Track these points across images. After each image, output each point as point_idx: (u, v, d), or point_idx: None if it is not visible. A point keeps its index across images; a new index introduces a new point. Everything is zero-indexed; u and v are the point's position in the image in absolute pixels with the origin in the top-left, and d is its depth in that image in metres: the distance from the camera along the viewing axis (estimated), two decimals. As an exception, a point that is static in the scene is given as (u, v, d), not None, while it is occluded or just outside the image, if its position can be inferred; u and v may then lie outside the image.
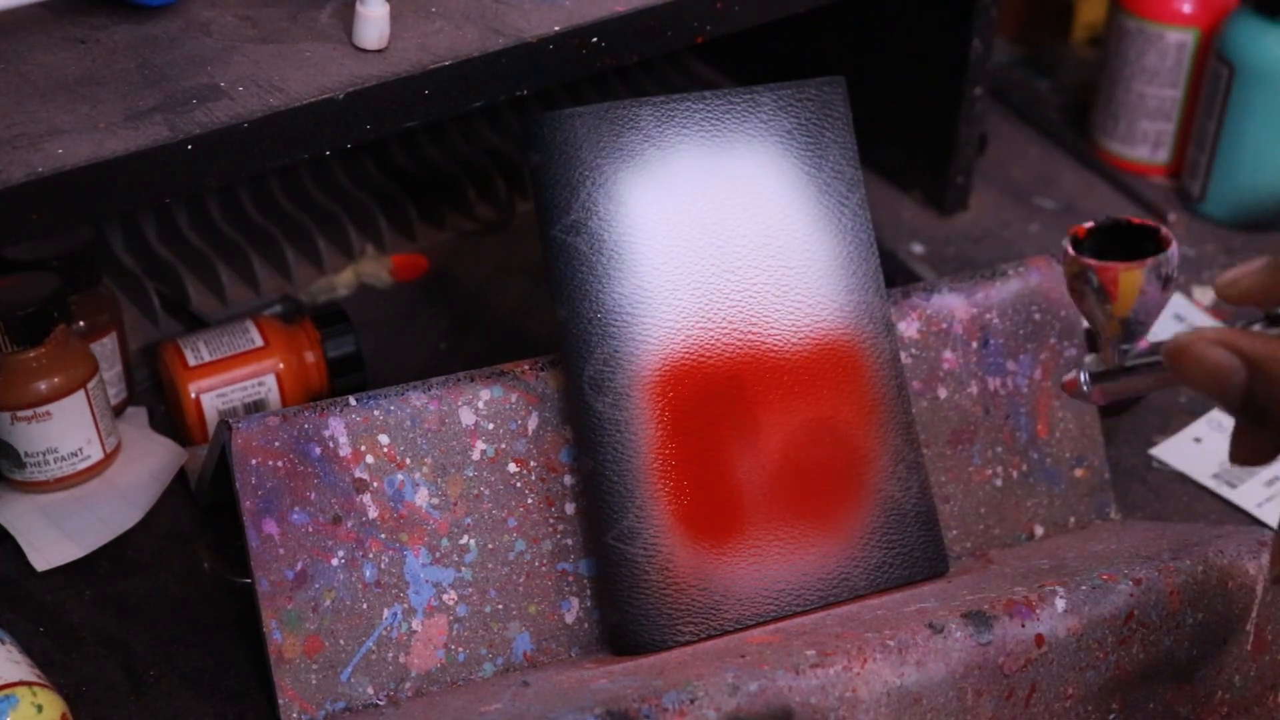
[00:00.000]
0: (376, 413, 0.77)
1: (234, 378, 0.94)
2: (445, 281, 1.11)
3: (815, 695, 0.69)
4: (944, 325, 0.87)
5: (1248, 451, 0.61)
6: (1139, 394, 0.65)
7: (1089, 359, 0.67)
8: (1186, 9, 1.18)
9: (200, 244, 1.08)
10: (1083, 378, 0.66)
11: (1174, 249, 0.62)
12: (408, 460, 0.78)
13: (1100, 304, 0.63)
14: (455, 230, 1.15)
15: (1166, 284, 0.62)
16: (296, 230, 1.10)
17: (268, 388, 0.95)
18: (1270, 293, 0.59)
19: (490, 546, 0.79)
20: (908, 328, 0.86)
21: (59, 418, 0.88)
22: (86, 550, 0.87)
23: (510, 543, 0.79)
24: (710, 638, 0.78)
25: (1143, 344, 0.64)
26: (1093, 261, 0.62)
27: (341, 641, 0.76)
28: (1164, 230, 0.63)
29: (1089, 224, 0.64)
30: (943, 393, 0.87)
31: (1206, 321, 1.08)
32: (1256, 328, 0.59)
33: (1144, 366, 0.64)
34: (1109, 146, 1.26)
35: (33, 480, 0.90)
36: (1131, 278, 0.62)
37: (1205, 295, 1.11)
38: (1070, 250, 0.64)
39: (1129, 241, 0.63)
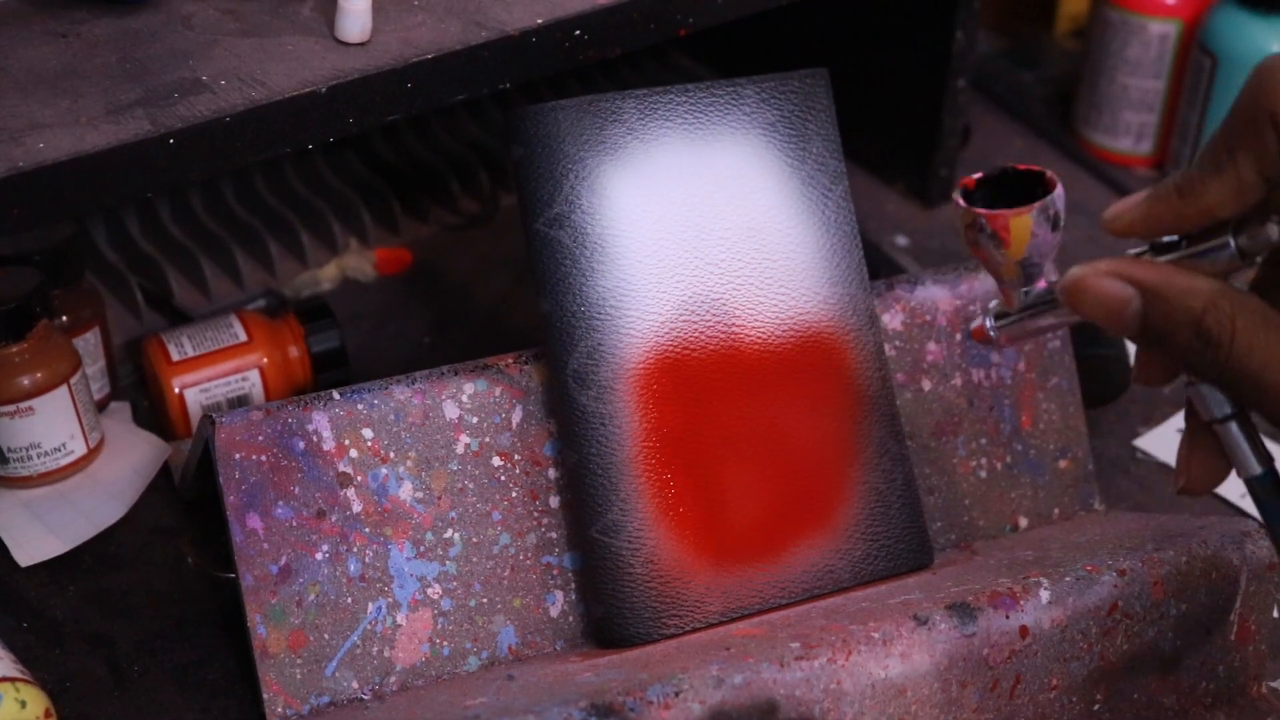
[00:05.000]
0: (360, 407, 0.77)
1: (217, 372, 0.94)
2: (429, 275, 1.11)
3: (800, 688, 0.69)
4: (928, 317, 0.87)
5: (1149, 373, 0.64)
6: (1042, 333, 0.69)
7: (992, 304, 0.69)
8: (1169, 0, 1.18)
9: (183, 238, 1.08)
10: (988, 323, 0.68)
11: (1059, 191, 0.64)
12: (391, 454, 0.78)
13: (995, 250, 0.65)
14: (439, 224, 1.15)
15: (1055, 225, 0.64)
16: (280, 224, 1.09)
17: (251, 382, 0.94)
18: (1152, 223, 0.60)
19: (475, 540, 0.79)
20: (892, 320, 0.86)
21: (42, 413, 0.88)
22: (70, 545, 0.87)
23: (495, 536, 0.79)
24: (695, 631, 0.78)
25: (1040, 284, 0.66)
26: (983, 210, 0.64)
27: (326, 636, 0.76)
28: (1049, 174, 0.65)
29: (978, 175, 0.66)
30: (927, 385, 0.87)
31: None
32: (1145, 257, 0.61)
33: (1043, 306, 0.66)
34: (1092, 138, 1.26)
35: (15, 476, 0.89)
36: (1021, 222, 0.64)
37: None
38: (961, 201, 0.65)
39: (1018, 188, 0.65)
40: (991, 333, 0.68)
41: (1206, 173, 0.58)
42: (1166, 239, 0.61)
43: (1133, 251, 0.62)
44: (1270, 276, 0.62)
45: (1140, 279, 0.58)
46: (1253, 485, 0.63)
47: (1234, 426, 0.62)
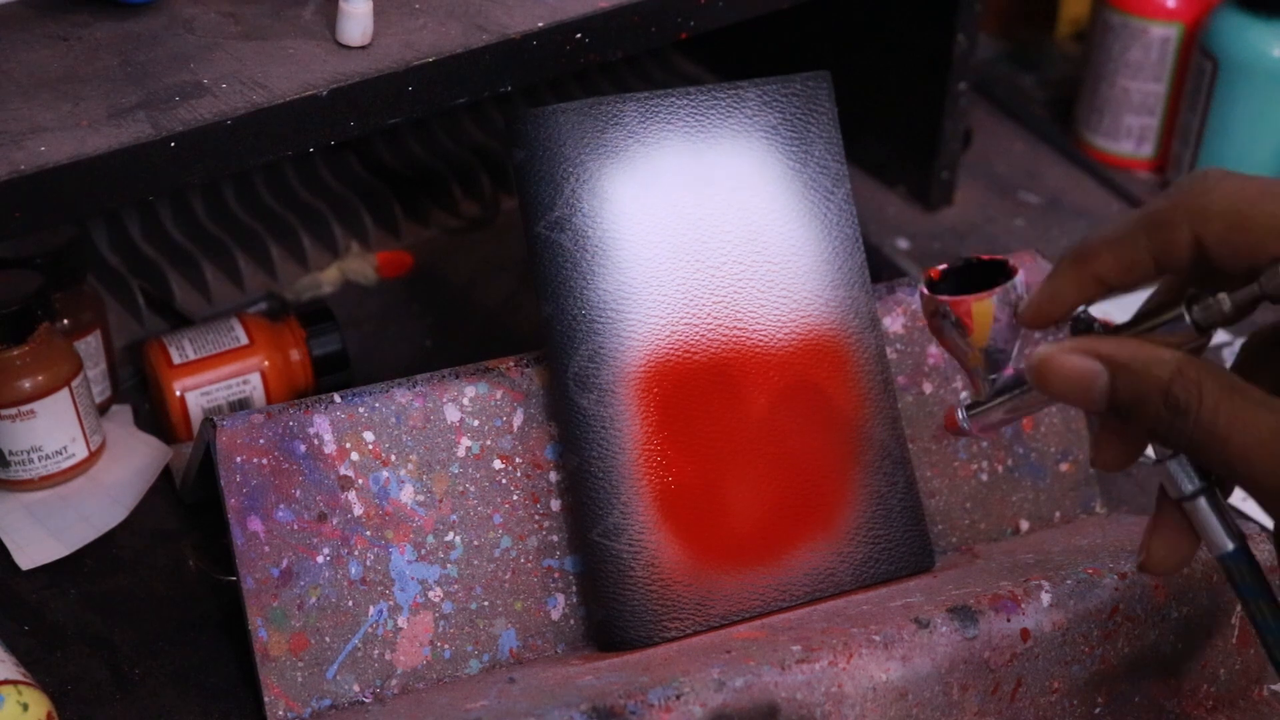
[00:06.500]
0: (361, 410, 0.77)
1: (219, 376, 0.94)
2: (430, 278, 1.11)
3: (801, 691, 0.69)
4: (929, 320, 0.87)
5: (1109, 456, 0.64)
6: (1014, 419, 0.69)
7: (964, 395, 0.69)
8: (1170, 3, 1.18)
9: (185, 241, 1.08)
10: (960, 415, 0.68)
11: (1020, 276, 0.65)
12: (393, 457, 0.78)
13: (960, 337, 0.65)
14: (440, 227, 1.15)
15: (1017, 310, 0.65)
16: (281, 227, 1.09)
17: (253, 386, 0.94)
18: (1056, 297, 0.62)
19: (476, 543, 0.79)
20: (893, 323, 0.86)
21: (43, 416, 0.88)
22: (71, 549, 0.87)
23: (496, 539, 0.79)
24: (696, 634, 0.78)
25: (1008, 371, 0.66)
26: (945, 297, 0.65)
27: (327, 639, 0.76)
28: (1011, 262, 0.65)
29: (943, 266, 0.67)
30: (928, 388, 0.87)
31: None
32: (1061, 337, 0.63)
33: (1013, 392, 0.66)
34: (1093, 141, 1.26)
35: (17, 479, 0.89)
36: (983, 307, 0.64)
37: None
38: (925, 290, 0.66)
39: (983, 277, 0.66)
40: (964, 424, 0.68)
41: (1103, 244, 0.60)
42: (1080, 314, 0.62)
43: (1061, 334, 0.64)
44: (1247, 362, 0.63)
45: (1106, 353, 0.58)
46: (1225, 563, 0.63)
47: (1203, 502, 0.62)
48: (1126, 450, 0.63)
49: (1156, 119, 1.22)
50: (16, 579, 0.86)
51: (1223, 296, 0.59)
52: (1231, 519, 0.62)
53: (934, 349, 0.87)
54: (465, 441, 0.79)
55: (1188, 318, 0.60)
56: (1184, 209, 0.58)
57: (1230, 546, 0.62)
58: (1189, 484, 0.62)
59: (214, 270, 1.07)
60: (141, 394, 0.99)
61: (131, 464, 0.93)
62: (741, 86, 0.83)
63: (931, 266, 0.67)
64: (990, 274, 0.66)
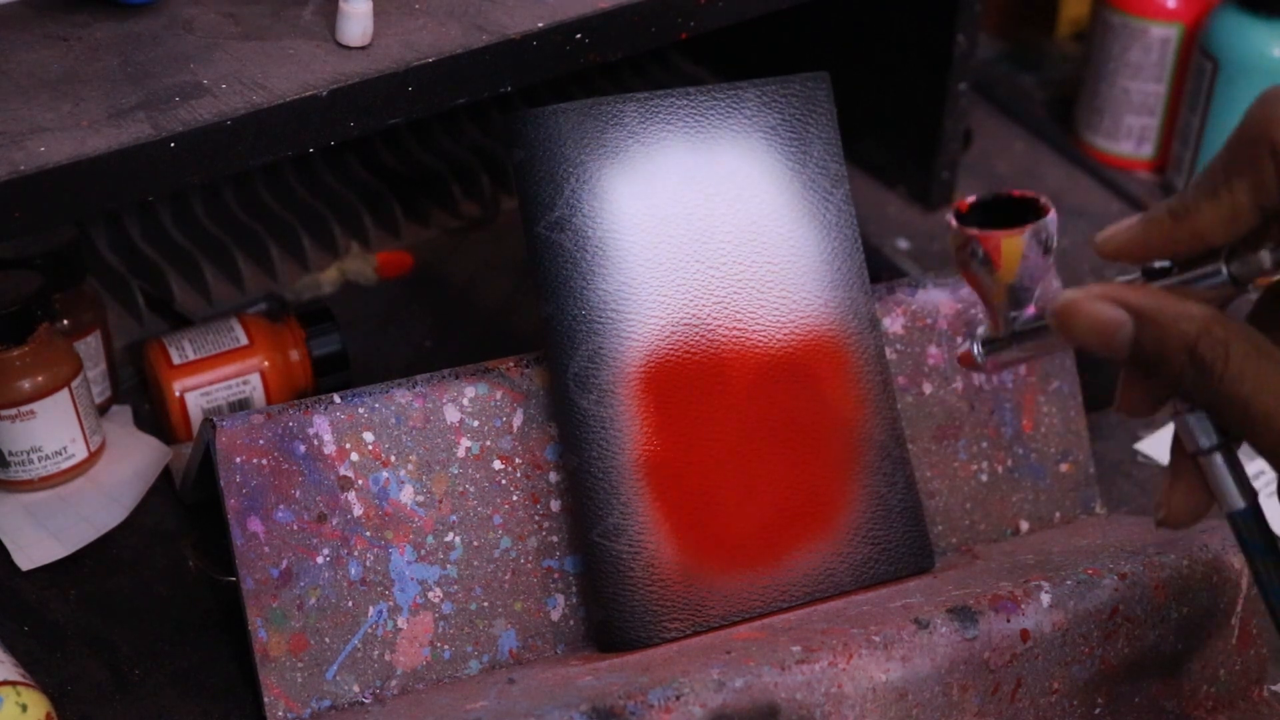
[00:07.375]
0: (361, 410, 0.77)
1: (219, 376, 0.94)
2: (430, 279, 1.11)
3: (801, 691, 0.69)
4: (929, 321, 0.87)
5: (1132, 403, 0.63)
6: (1030, 359, 0.69)
7: (980, 330, 0.68)
8: (1170, 4, 1.18)
9: (185, 242, 1.08)
10: (975, 349, 0.68)
11: (1052, 216, 0.64)
12: (393, 458, 0.77)
13: (986, 272, 0.64)
14: (440, 227, 1.15)
15: (1047, 250, 0.64)
16: (281, 228, 1.09)
17: (252, 386, 0.94)
18: (1145, 247, 0.61)
19: (475, 544, 0.79)
20: (893, 323, 0.86)
21: (43, 416, 0.88)
22: (71, 549, 0.87)
23: (496, 540, 0.79)
24: (696, 634, 0.78)
25: (1030, 311, 0.65)
26: (975, 231, 0.64)
27: (327, 640, 0.76)
28: (1043, 200, 0.64)
29: (972, 198, 0.65)
30: (928, 388, 0.87)
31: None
32: (1136, 283, 0.61)
33: (1032, 331, 0.65)
34: (1094, 141, 1.26)
35: (16, 479, 0.89)
36: (1013, 244, 0.63)
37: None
38: (954, 222, 0.65)
39: (1012, 213, 0.65)
40: (979, 358, 0.67)
41: (1201, 197, 0.58)
42: (1158, 265, 0.61)
43: (1124, 278, 0.62)
44: (1265, 310, 0.62)
45: (1133, 303, 0.58)
46: (1234, 520, 0.62)
47: (1219, 458, 0.61)
48: (1150, 398, 0.63)
49: (1156, 119, 1.22)
50: (16, 579, 0.86)
51: (1264, 253, 0.58)
52: (1245, 477, 0.62)
53: (934, 349, 0.87)
54: (465, 442, 0.79)
55: (1225, 271, 0.59)
56: (1258, 121, 0.56)
57: (1241, 505, 0.61)
58: (1206, 439, 0.61)
59: (214, 270, 1.07)
60: (141, 394, 0.99)
61: (131, 464, 0.93)
62: (741, 87, 0.83)
63: (962, 200, 0.65)
64: (1019, 209, 0.64)
